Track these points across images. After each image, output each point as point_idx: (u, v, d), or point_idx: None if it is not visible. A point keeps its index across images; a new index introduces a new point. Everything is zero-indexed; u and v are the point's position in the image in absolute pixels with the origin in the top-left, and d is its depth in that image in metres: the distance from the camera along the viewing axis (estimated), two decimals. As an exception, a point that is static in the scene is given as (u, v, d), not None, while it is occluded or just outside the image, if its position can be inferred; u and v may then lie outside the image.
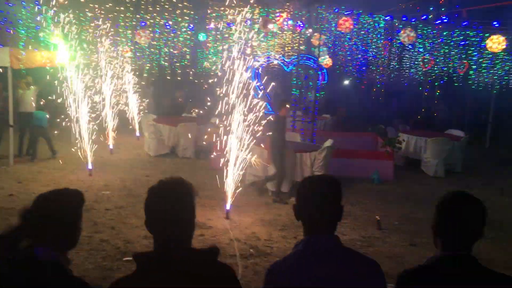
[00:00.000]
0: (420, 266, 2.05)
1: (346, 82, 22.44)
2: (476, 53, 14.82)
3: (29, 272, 1.94)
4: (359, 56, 16.30)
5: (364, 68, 17.79)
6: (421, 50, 15.56)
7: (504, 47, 11.66)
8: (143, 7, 10.80)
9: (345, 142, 12.50)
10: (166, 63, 14.74)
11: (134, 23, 11.53)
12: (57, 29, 9.99)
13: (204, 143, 12.11)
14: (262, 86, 21.56)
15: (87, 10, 9.58)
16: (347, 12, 11.57)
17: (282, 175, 8.79)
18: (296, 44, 12.98)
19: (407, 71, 17.72)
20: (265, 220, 7.57)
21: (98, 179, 9.58)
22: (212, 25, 13.01)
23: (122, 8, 10.18)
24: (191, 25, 12.89)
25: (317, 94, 12.47)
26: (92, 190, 8.68)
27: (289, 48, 14.15)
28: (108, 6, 9.36)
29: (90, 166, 9.91)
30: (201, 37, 14.51)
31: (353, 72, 17.12)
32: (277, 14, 11.97)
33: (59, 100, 9.59)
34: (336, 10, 11.93)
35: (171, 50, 14.13)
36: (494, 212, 8.39)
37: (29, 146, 11.32)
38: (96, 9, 9.42)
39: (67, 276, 2.02)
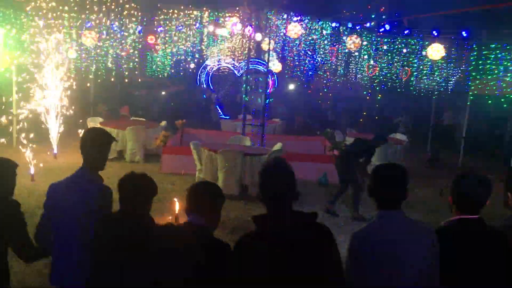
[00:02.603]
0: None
1: (292, 86, 22.85)
2: (417, 61, 15.55)
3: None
4: (307, 61, 16.68)
5: (311, 73, 18.23)
6: (366, 56, 16.13)
7: (443, 55, 12.30)
8: (88, 7, 10.50)
9: (294, 146, 12.75)
10: (112, 65, 14.40)
11: (79, 23, 11.19)
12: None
13: (154, 146, 12.00)
14: (213, 90, 21.68)
15: (28, 9, 9.20)
16: (296, 19, 11.81)
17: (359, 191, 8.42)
18: (246, 49, 13.10)
19: (353, 76, 18.31)
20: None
21: (41, 184, 9.19)
22: (161, 28, 12.89)
23: (66, 8, 9.85)
24: (140, 27, 12.68)
25: (268, 100, 12.63)
26: (33, 196, 8.33)
27: (239, 52, 14.25)
28: (51, 5, 9.03)
29: (32, 171, 9.52)
30: (149, 39, 14.35)
31: (301, 77, 17.49)
32: (227, 19, 12.04)
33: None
34: (287, 15, 12.15)
35: (118, 52, 13.83)
36: (434, 212, 8.84)
37: None
38: (39, 9, 9.05)
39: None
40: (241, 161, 9.24)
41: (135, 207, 2.97)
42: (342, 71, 17.70)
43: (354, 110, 21.22)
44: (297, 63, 15.89)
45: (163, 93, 20.94)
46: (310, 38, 13.84)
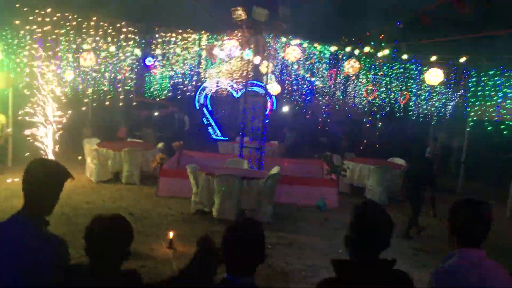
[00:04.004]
0: None
1: (286, 109, 22.87)
2: (415, 85, 15.58)
3: None
4: (306, 85, 16.71)
5: (310, 97, 18.24)
6: (364, 80, 16.17)
7: (441, 80, 12.31)
8: (84, 30, 10.50)
9: (292, 169, 12.63)
10: (109, 87, 14.39)
11: (75, 46, 11.18)
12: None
13: (150, 169, 11.87)
14: (210, 111, 21.66)
15: (24, 32, 9.19)
16: (294, 42, 11.84)
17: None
18: (245, 71, 13.11)
19: (351, 100, 18.32)
20: (210, 249, 7.39)
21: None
22: (158, 51, 12.91)
23: (63, 31, 9.84)
24: (137, 50, 12.70)
25: (265, 121, 12.57)
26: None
27: (238, 74, 14.26)
28: (46, 28, 9.02)
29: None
30: (147, 61, 14.37)
31: (299, 100, 17.50)
32: (225, 41, 12.07)
33: None
34: (285, 39, 12.18)
35: (116, 74, 13.83)
36: (434, 238, 8.70)
37: None
38: (35, 31, 9.05)
39: None
40: (239, 185, 9.11)
41: (108, 259, 2.36)
42: (340, 95, 17.72)
43: (354, 134, 21.20)
44: (295, 87, 15.91)
45: (156, 113, 20.88)
46: (308, 62, 13.86)
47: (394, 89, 15.89)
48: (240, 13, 11.05)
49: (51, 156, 10.29)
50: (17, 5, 8.42)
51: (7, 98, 12.69)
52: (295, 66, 14.33)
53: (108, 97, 13.74)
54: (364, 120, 20.36)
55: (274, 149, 16.64)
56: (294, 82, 15.77)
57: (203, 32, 11.67)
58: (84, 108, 14.91)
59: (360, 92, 17.52)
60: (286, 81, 15.74)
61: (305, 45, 12.67)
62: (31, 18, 8.70)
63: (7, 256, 2.37)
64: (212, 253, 2.44)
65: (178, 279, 2.47)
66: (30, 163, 2.57)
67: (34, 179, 2.49)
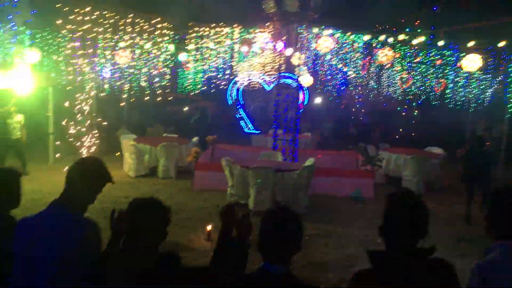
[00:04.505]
0: None
1: (320, 100, 22.67)
2: (452, 72, 15.14)
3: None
4: (339, 75, 16.51)
5: (343, 87, 18.01)
6: (398, 68, 15.84)
7: (480, 65, 11.92)
8: (121, 27, 10.72)
9: (326, 161, 12.54)
10: (145, 84, 14.63)
11: (112, 43, 11.43)
12: (34, 50, 9.89)
13: (186, 163, 12.04)
14: (243, 105, 21.73)
15: (65, 31, 9.47)
16: (327, 32, 11.72)
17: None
18: (277, 63, 13.08)
19: (385, 89, 17.99)
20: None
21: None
22: (192, 46, 13.03)
23: (100, 29, 10.08)
24: (171, 45, 12.85)
25: (298, 113, 12.51)
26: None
27: (270, 67, 14.24)
28: (86, 27, 9.26)
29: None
30: (181, 57, 14.51)
31: (332, 91, 17.30)
32: (257, 34, 12.06)
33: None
34: (318, 29, 12.08)
35: (151, 70, 14.05)
36: (477, 226, 8.47)
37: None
38: (73, 30, 9.30)
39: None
40: (273, 178, 9.13)
41: (146, 239, 2.42)
42: (374, 84, 17.42)
43: (386, 124, 20.82)
44: (329, 77, 15.72)
45: (186, 108, 21.06)
46: (341, 52, 13.69)
47: (430, 76, 15.49)
48: (271, 5, 11.02)
49: (89, 152, 10.62)
50: (58, 5, 8.67)
51: (47, 97, 13.09)
52: (328, 57, 14.18)
53: (146, 92, 13.98)
54: (399, 109, 19.93)
55: (307, 141, 16.54)
56: (328, 72, 15.59)
57: (235, 25, 11.69)
58: (123, 104, 15.20)
59: (394, 81, 17.17)
60: (319, 72, 15.58)
61: (337, 35, 12.51)
62: (71, 17, 8.95)
63: (45, 241, 2.52)
64: (236, 222, 2.50)
65: (214, 262, 2.47)
66: (78, 160, 2.78)
67: (75, 177, 2.66)
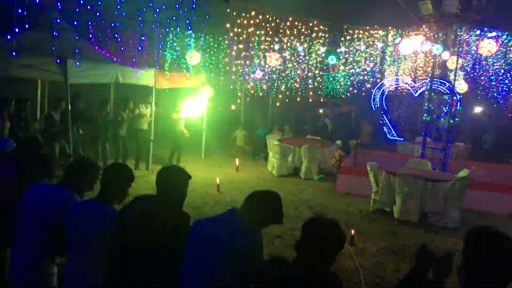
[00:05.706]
0: None
1: (480, 109, 20.75)
2: None
3: None
4: (505, 81, 14.83)
5: (510, 94, 16.16)
6: None
7: None
8: (281, 31, 11.18)
9: (483, 173, 11.49)
10: (297, 85, 15.01)
11: (267, 46, 11.97)
12: (196, 53, 10.87)
13: (329, 166, 12.08)
14: (386, 110, 21.00)
15: (226, 36, 10.21)
16: (491, 35, 10.73)
17: None
18: (429, 67, 12.37)
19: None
20: (391, 249, 7.23)
21: (225, 195, 9.98)
22: (342, 49, 13.01)
23: (262, 32, 10.65)
24: (322, 48, 13.00)
25: (451, 121, 11.67)
26: (219, 205, 9.05)
27: (421, 71, 13.52)
28: (250, 30, 9.88)
29: (218, 182, 10.37)
30: (330, 59, 14.60)
31: (498, 98, 15.67)
32: (412, 37, 11.56)
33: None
34: (480, 31, 11.13)
35: (300, 72, 14.38)
36: None
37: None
38: (241, 33, 9.94)
39: None
40: (422, 186, 8.68)
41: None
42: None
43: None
44: (493, 83, 14.28)
45: (321, 111, 20.93)
46: (509, 56, 12.38)
47: None
48: (428, 6, 10.48)
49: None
50: (228, 10, 9.40)
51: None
52: (491, 61, 12.96)
53: (299, 94, 14.33)
54: None
55: (459, 151, 15.37)
56: (492, 78, 14.17)
57: (390, 28, 11.38)
58: (277, 104, 15.76)
59: None
60: (481, 77, 14.27)
61: (504, 37, 11.38)
62: (238, 21, 9.66)
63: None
64: (430, 265, 2.26)
65: None
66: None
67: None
